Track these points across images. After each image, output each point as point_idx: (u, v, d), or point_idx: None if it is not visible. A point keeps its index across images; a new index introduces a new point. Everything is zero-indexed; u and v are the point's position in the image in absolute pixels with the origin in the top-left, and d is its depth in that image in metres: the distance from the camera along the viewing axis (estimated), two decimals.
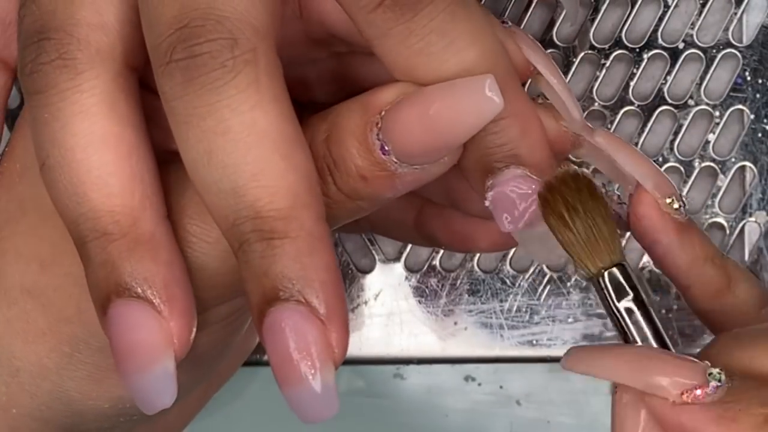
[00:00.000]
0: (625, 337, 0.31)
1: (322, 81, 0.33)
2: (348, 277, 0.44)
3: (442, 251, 0.44)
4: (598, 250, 0.30)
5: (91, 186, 0.27)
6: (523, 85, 0.30)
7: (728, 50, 0.44)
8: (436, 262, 0.44)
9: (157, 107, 0.28)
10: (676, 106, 0.44)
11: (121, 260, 0.27)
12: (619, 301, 0.31)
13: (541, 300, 0.44)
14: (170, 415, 0.35)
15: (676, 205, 0.32)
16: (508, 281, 0.44)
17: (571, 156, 0.32)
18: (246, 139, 0.26)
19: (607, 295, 0.31)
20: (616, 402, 0.30)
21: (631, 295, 0.31)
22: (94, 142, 0.27)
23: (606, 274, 0.31)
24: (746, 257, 0.44)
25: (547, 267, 0.44)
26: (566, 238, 0.30)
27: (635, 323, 0.31)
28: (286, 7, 0.30)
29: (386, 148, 0.27)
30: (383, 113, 0.27)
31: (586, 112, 0.43)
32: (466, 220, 0.34)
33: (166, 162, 0.29)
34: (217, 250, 0.29)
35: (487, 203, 0.29)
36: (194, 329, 0.28)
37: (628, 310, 0.31)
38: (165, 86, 0.26)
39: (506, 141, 0.28)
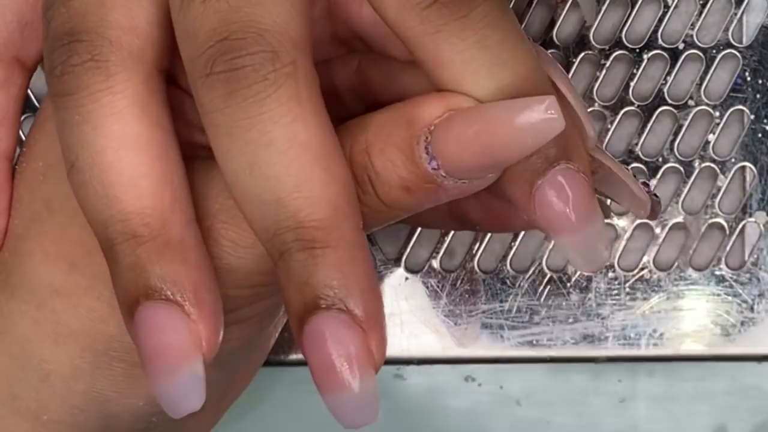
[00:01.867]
0: None
1: (344, 89, 0.33)
2: None
3: (441, 252, 0.44)
4: None
5: (121, 188, 0.27)
6: None
7: (728, 51, 0.44)
8: (436, 262, 0.44)
9: (178, 98, 0.28)
10: (676, 107, 0.44)
11: (151, 263, 0.27)
12: None
13: (541, 300, 0.44)
14: (193, 419, 0.35)
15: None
16: (508, 282, 0.44)
17: None
18: (288, 151, 0.26)
19: None
20: None
21: None
22: (125, 144, 0.27)
23: None
24: (746, 257, 0.44)
25: (547, 267, 0.44)
26: None
27: None
28: (314, 9, 0.30)
29: (435, 162, 0.27)
30: (433, 128, 0.28)
31: None
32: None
33: (189, 158, 0.29)
34: (251, 254, 0.29)
35: (537, 206, 0.28)
36: (222, 332, 0.28)
37: None
38: (205, 98, 0.26)
39: (552, 144, 0.28)
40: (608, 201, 0.32)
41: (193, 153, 0.30)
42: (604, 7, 0.44)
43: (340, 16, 0.30)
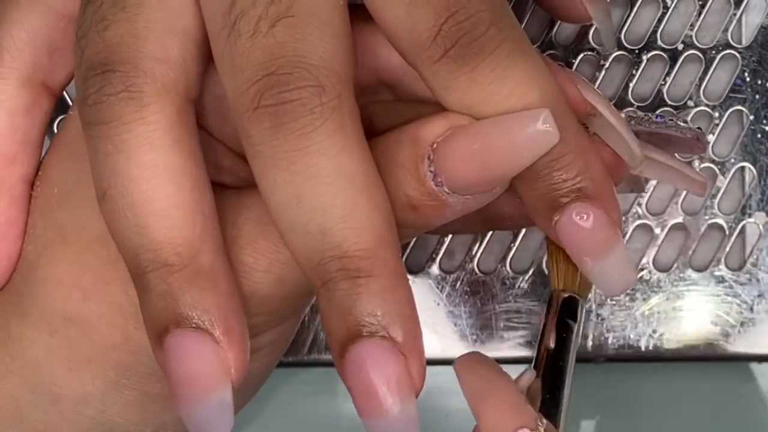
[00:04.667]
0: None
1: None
2: None
3: (441, 253, 0.44)
4: (575, 274, 0.32)
5: (154, 217, 0.27)
6: None
7: (727, 51, 0.44)
8: (436, 263, 0.44)
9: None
10: (675, 107, 0.44)
11: (182, 291, 0.27)
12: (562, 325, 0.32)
13: (541, 301, 0.44)
14: None
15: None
16: (507, 282, 0.44)
17: (632, 172, 0.32)
18: (335, 183, 0.27)
19: (561, 311, 0.32)
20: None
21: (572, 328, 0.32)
22: (158, 173, 0.27)
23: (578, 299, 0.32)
24: (746, 258, 0.44)
25: (547, 268, 0.44)
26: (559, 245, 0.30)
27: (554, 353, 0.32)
28: None
29: (439, 179, 0.28)
30: (435, 145, 0.28)
31: None
32: None
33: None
34: (267, 278, 0.29)
35: (558, 234, 0.29)
36: (248, 358, 0.28)
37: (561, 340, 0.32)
38: (252, 130, 0.27)
39: (572, 175, 0.28)
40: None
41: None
42: None
43: (366, 62, 0.31)
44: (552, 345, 0.32)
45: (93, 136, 0.28)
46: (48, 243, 0.32)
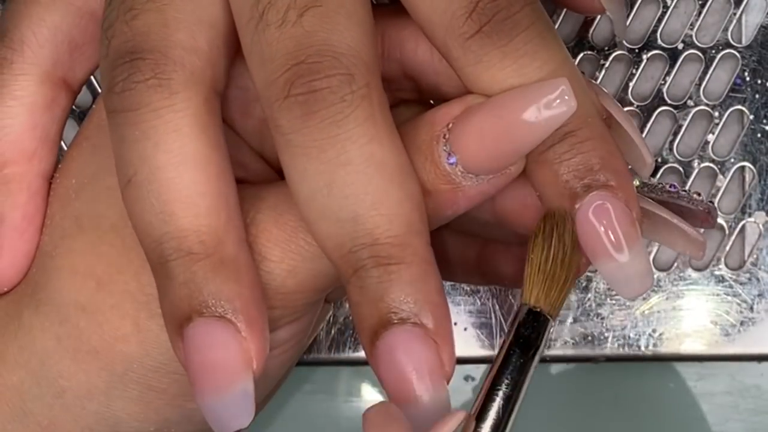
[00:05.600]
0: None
1: None
2: None
3: None
4: (550, 290, 0.30)
5: (179, 205, 0.27)
6: None
7: (727, 51, 0.44)
8: None
9: None
10: (675, 107, 0.44)
11: (206, 280, 0.27)
12: (521, 347, 0.29)
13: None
14: None
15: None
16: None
17: None
18: (366, 170, 0.27)
19: (520, 331, 0.29)
20: None
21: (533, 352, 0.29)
22: (186, 161, 0.27)
23: (543, 314, 0.30)
24: (746, 257, 0.44)
25: None
26: (539, 257, 0.29)
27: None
28: None
29: (453, 158, 0.28)
30: (450, 125, 0.28)
31: None
32: None
33: None
34: (280, 268, 0.29)
35: (577, 228, 0.29)
36: (268, 350, 0.28)
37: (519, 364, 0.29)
38: (282, 119, 0.27)
39: (596, 161, 0.28)
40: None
41: None
42: None
43: (394, 55, 0.31)
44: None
45: (119, 124, 0.28)
46: (65, 233, 0.31)
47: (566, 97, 0.27)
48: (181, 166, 0.27)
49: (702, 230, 0.32)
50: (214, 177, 0.28)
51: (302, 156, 0.27)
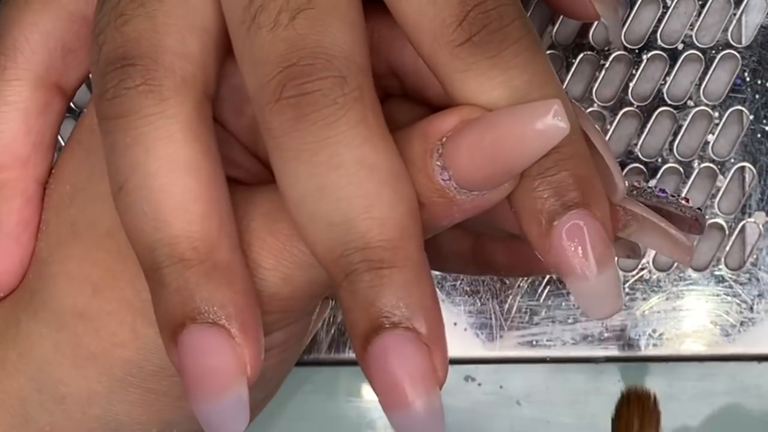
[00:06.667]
0: None
1: None
2: None
3: None
4: None
5: (171, 211, 0.27)
6: None
7: (727, 51, 0.44)
8: None
9: None
10: (675, 107, 0.44)
11: (199, 287, 0.27)
12: None
13: (541, 300, 0.44)
14: None
15: None
16: (507, 282, 0.44)
17: (620, 235, 0.32)
18: (358, 173, 0.26)
19: None
20: None
21: None
22: (178, 167, 0.27)
23: None
24: (746, 258, 0.44)
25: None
26: None
27: None
28: None
29: (447, 174, 0.28)
30: (444, 140, 0.28)
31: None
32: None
33: None
34: (273, 275, 0.29)
35: (550, 247, 0.28)
36: (263, 356, 0.28)
37: None
38: (273, 122, 0.27)
39: (577, 179, 0.28)
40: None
41: None
42: None
43: (382, 53, 0.31)
44: None
45: (110, 131, 0.28)
46: (60, 239, 0.31)
47: (559, 118, 0.27)
48: (172, 172, 0.27)
49: (691, 236, 0.32)
50: (206, 183, 0.28)
51: (293, 159, 0.27)
